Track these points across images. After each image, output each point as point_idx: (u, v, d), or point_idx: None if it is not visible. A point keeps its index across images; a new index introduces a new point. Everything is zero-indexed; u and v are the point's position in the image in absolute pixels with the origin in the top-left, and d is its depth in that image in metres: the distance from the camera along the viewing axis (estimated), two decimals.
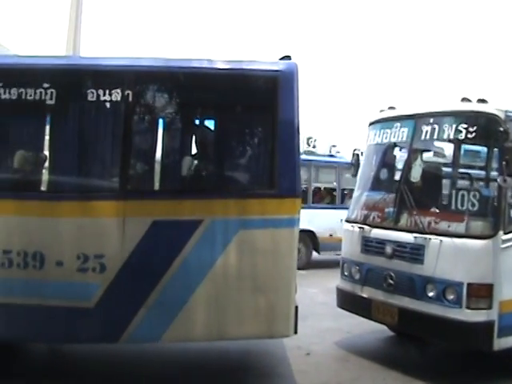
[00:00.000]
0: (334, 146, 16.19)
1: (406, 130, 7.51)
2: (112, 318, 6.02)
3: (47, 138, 6.41)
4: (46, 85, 6.08)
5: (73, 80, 6.25)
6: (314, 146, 15.64)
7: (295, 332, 6.19)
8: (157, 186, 6.43)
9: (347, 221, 8.15)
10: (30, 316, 6.06)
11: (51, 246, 5.99)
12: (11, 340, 6.47)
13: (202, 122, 6.63)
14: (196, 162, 6.48)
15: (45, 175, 6.44)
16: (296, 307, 6.13)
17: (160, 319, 6.00)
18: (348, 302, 7.97)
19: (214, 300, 6.02)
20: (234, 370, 7.08)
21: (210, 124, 6.61)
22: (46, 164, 6.40)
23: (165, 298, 5.95)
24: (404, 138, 7.55)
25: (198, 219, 5.95)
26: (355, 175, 8.55)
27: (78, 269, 5.94)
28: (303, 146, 14.82)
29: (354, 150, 8.71)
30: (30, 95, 6.09)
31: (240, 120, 6.44)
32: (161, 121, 6.36)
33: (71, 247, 5.97)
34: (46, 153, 6.44)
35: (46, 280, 6.01)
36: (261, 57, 6.61)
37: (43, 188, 6.44)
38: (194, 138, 6.52)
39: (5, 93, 6.10)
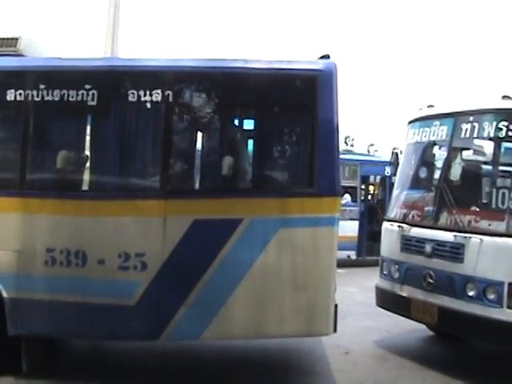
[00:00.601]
0: (371, 144, 16.17)
1: (445, 128, 7.45)
2: (152, 316, 6.10)
3: (89, 138, 6.53)
4: (87, 86, 6.19)
5: (114, 81, 6.38)
6: (351, 145, 15.66)
7: (334, 330, 6.18)
8: (197, 185, 6.50)
9: (386, 219, 8.12)
10: (73, 313, 6.19)
11: (93, 245, 6.11)
12: (54, 336, 6.63)
13: (241, 122, 6.66)
14: (236, 161, 6.52)
15: (86, 175, 6.55)
16: (335, 306, 6.12)
17: (200, 317, 6.05)
18: (387, 300, 7.93)
19: (254, 298, 6.05)
20: (273, 367, 7.11)
21: (249, 124, 6.63)
22: (88, 164, 6.52)
23: (205, 296, 6.00)
24: (443, 137, 7.49)
25: (238, 218, 5.99)
26: (394, 174, 8.52)
27: (120, 267, 6.03)
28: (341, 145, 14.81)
29: (393, 149, 8.67)
30: (72, 96, 6.21)
31: (279, 119, 6.44)
32: (201, 120, 6.43)
33: (113, 246, 6.08)
34: (88, 153, 6.56)
35: (87, 278, 6.13)
36: (299, 56, 6.59)
37: (85, 187, 6.56)
38: (233, 137, 6.56)
39: (48, 94, 6.25)
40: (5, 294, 6.22)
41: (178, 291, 6.03)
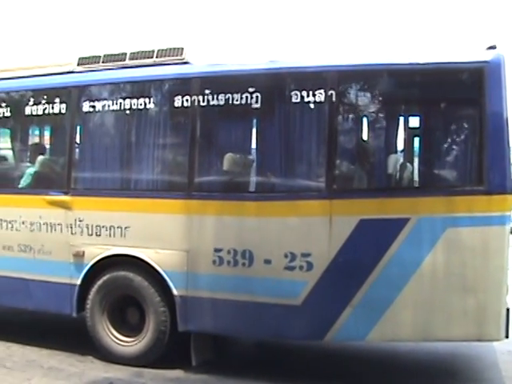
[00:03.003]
0: None
1: None
2: (318, 316, 6.20)
3: (253, 140, 6.79)
4: (251, 89, 6.42)
5: (277, 83, 6.57)
6: None
7: (506, 336, 5.93)
8: (363, 184, 6.51)
9: None
10: (238, 311, 6.48)
11: (260, 245, 6.32)
12: (221, 333, 6.93)
13: (406, 119, 6.59)
14: (401, 159, 6.51)
15: (252, 176, 6.84)
16: (507, 309, 5.89)
17: (365, 318, 6.05)
18: None
19: (421, 300, 5.96)
20: (439, 372, 6.97)
21: (414, 121, 6.57)
22: (254, 165, 6.79)
23: (371, 296, 6.00)
24: None
25: (405, 217, 5.92)
26: None
27: (286, 267, 6.18)
28: None
29: None
30: (237, 100, 6.48)
31: (445, 115, 6.31)
32: (365, 119, 6.45)
33: (279, 246, 6.24)
34: (253, 155, 6.83)
35: (254, 277, 6.36)
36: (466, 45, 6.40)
37: (251, 189, 6.82)
38: (398, 135, 6.50)
39: (213, 99, 6.56)
40: (175, 292, 6.62)
41: (344, 291, 6.07)
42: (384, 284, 5.98)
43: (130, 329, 7.05)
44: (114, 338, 7.04)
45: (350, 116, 6.48)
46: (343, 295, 6.09)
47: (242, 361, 7.56)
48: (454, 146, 6.36)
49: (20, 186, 7.78)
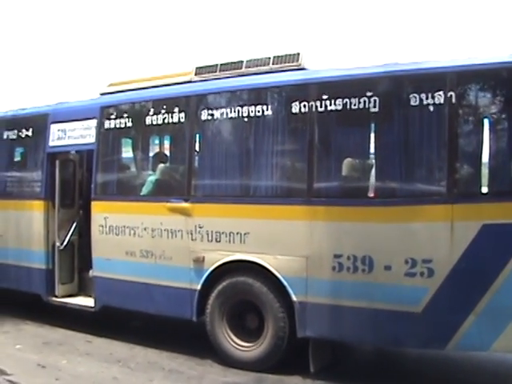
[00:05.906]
0: None
1: None
2: (439, 325, 6.25)
3: (372, 144, 6.94)
4: (369, 93, 6.61)
5: (395, 86, 6.68)
6: None
7: None
8: (485, 188, 6.46)
9: None
10: (357, 318, 6.64)
11: (380, 251, 6.47)
12: (339, 339, 7.11)
13: None
14: None
15: (371, 181, 6.96)
16: None
17: (490, 327, 6.04)
18: None
19: None
20: None
21: None
22: (373, 170, 6.92)
23: (496, 304, 5.99)
24: None
25: None
26: None
27: (406, 273, 6.30)
28: None
29: None
30: (355, 104, 6.68)
31: None
32: (485, 120, 6.40)
33: (399, 252, 6.36)
34: (372, 159, 6.97)
35: (373, 284, 6.50)
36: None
37: (371, 194, 6.96)
38: None
39: (330, 104, 6.80)
40: (294, 298, 6.90)
41: (467, 299, 6.10)
42: (509, 291, 5.95)
43: (249, 334, 7.42)
44: (232, 343, 7.44)
45: (471, 117, 6.47)
46: (466, 303, 6.11)
47: (361, 368, 7.74)
48: None
49: (142, 193, 8.38)
